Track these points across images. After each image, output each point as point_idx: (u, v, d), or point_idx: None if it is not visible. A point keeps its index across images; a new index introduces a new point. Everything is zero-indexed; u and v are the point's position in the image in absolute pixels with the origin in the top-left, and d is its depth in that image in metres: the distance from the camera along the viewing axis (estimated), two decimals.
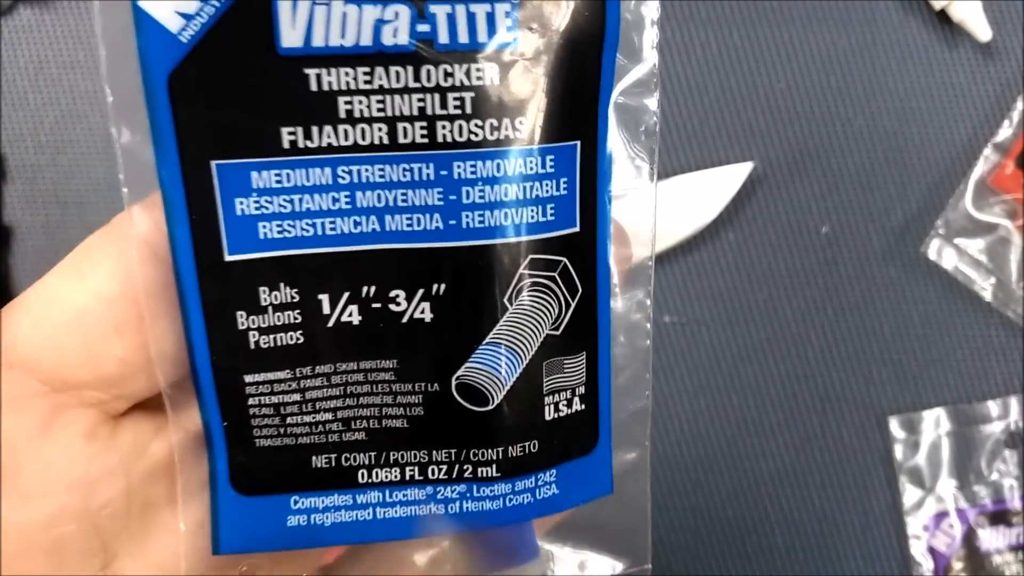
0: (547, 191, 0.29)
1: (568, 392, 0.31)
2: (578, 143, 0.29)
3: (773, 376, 0.59)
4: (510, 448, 0.30)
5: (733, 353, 0.59)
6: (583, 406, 0.31)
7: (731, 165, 0.58)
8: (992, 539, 0.58)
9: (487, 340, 0.29)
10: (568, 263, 0.30)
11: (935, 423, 0.59)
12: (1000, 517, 0.58)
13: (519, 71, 0.27)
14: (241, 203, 0.27)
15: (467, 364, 0.29)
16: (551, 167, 0.28)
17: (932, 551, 0.58)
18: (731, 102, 0.58)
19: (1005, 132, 0.58)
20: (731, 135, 0.58)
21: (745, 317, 0.59)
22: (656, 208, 0.31)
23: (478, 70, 0.27)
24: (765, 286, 0.58)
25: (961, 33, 0.58)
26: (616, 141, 0.30)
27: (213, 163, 0.27)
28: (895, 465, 0.59)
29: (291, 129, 0.27)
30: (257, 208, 0.27)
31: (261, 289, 0.28)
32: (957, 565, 0.58)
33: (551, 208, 0.29)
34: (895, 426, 0.59)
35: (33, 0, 0.56)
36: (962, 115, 0.59)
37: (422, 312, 0.29)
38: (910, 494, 0.59)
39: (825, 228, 0.58)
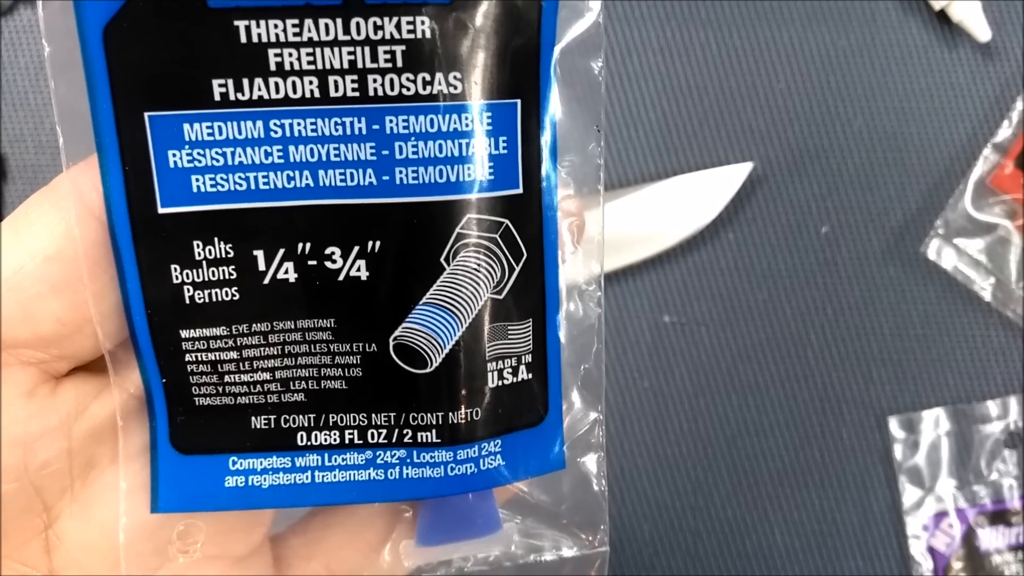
0: (485, 149, 0.28)
1: (513, 360, 0.30)
2: (518, 102, 0.29)
3: (773, 376, 0.58)
4: (451, 414, 0.30)
5: (733, 353, 0.58)
6: (530, 375, 0.31)
7: (731, 165, 0.57)
8: (991, 539, 0.58)
9: (424, 300, 0.29)
10: (511, 225, 0.29)
11: (934, 423, 0.58)
12: (999, 517, 0.58)
13: (452, 26, 0.27)
14: (174, 155, 0.27)
15: (404, 324, 0.29)
16: (489, 125, 0.28)
17: (932, 551, 0.58)
18: (731, 102, 0.58)
19: (1004, 132, 0.57)
20: (731, 135, 0.58)
21: (745, 317, 0.58)
22: (602, 173, 0.31)
23: (408, 23, 0.27)
24: (765, 286, 0.58)
25: (961, 33, 0.57)
26: (562, 104, 0.30)
27: (146, 114, 0.27)
28: (895, 465, 0.58)
29: (222, 81, 0.27)
30: (190, 161, 0.27)
31: (195, 243, 0.28)
32: (956, 565, 0.58)
33: (490, 167, 0.28)
34: (895, 426, 0.58)
35: (33, 0, 0.57)
36: (961, 115, 0.58)
37: (358, 270, 0.29)
38: (910, 494, 0.58)
39: (825, 228, 0.58)
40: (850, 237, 0.58)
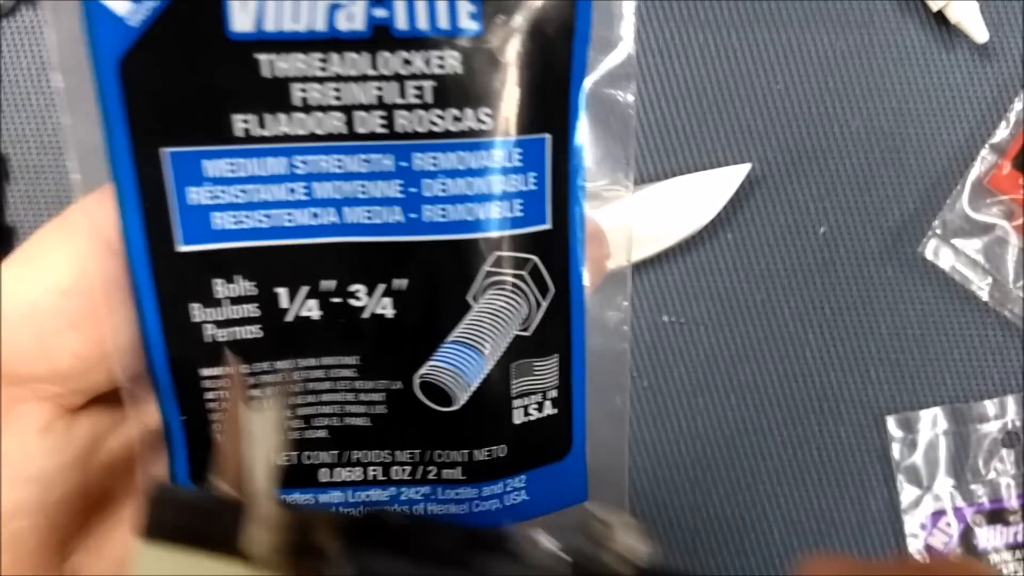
0: (515, 186, 0.27)
1: (539, 396, 0.30)
2: (548, 136, 0.28)
3: (771, 376, 0.58)
4: (475, 452, 0.29)
5: (731, 353, 0.58)
6: (555, 410, 0.30)
7: (729, 166, 0.57)
8: (989, 538, 0.58)
9: (451, 339, 0.28)
10: (539, 261, 0.28)
11: (932, 422, 0.58)
12: (997, 516, 0.57)
13: (483, 60, 0.26)
14: (194, 192, 0.26)
15: (430, 362, 0.28)
16: (519, 161, 0.27)
17: (929, 549, 0.57)
18: (729, 103, 0.58)
19: (1002, 133, 0.57)
20: (729, 136, 0.58)
21: (743, 317, 0.58)
22: (635, 207, 0.29)
23: (439, 58, 0.26)
24: (763, 286, 0.58)
25: (958, 34, 0.57)
26: (590, 136, 0.29)
27: (164, 150, 0.26)
28: (893, 464, 0.58)
29: (244, 117, 0.26)
30: (210, 197, 0.26)
31: (215, 281, 0.27)
32: None
33: (519, 204, 0.28)
34: (893, 425, 0.58)
35: (34, 0, 0.57)
36: (959, 116, 0.58)
37: (383, 308, 0.28)
38: (907, 493, 0.58)
39: (823, 228, 0.58)
40: (848, 237, 0.58)
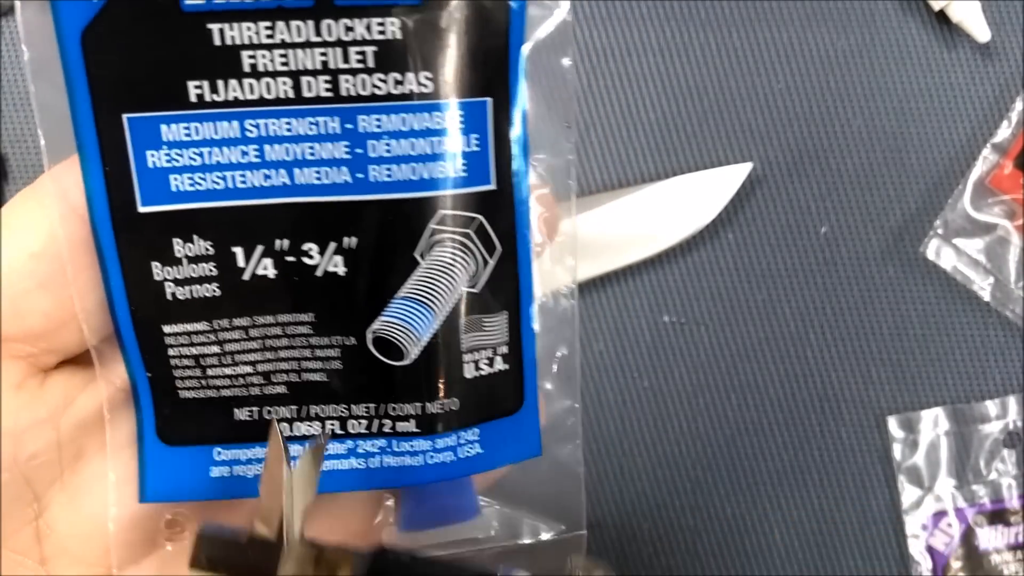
0: (457, 147, 0.29)
1: (489, 351, 0.31)
2: (489, 100, 0.29)
3: (772, 376, 0.59)
4: (428, 404, 0.31)
5: (732, 353, 0.59)
6: (506, 366, 0.32)
7: (730, 166, 0.57)
8: (990, 538, 0.58)
9: (400, 294, 0.30)
10: (484, 220, 0.30)
11: (934, 422, 0.58)
12: (998, 516, 0.57)
13: (422, 26, 0.28)
14: (152, 155, 0.28)
15: (381, 317, 0.30)
16: (460, 123, 0.29)
17: (930, 550, 0.58)
18: (730, 103, 0.58)
19: (1004, 132, 0.57)
20: (730, 136, 0.58)
21: (744, 317, 0.58)
22: (574, 169, 0.31)
23: (379, 25, 0.27)
24: (764, 286, 0.58)
25: (960, 33, 0.57)
26: (533, 102, 0.30)
27: (125, 116, 0.28)
28: (894, 464, 0.58)
29: (197, 83, 0.28)
30: (168, 161, 0.28)
31: (175, 241, 0.29)
32: (955, 564, 0.57)
33: (462, 164, 0.29)
34: (894, 425, 0.58)
35: (36, 1, 0.57)
36: (961, 115, 0.58)
37: (335, 266, 0.29)
38: (909, 493, 0.58)
39: (824, 228, 0.58)
40: (849, 237, 0.58)
